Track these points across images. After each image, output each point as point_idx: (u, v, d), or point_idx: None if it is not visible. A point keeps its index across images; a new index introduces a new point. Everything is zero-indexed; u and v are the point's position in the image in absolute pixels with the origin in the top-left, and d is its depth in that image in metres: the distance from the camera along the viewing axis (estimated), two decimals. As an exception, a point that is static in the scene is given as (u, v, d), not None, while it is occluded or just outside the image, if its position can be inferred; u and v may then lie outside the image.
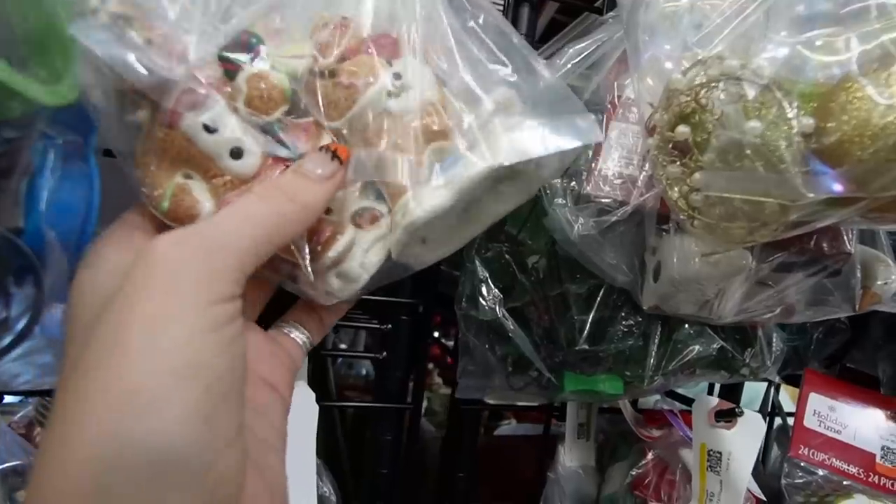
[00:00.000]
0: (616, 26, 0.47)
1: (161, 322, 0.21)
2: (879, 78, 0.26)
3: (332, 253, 0.29)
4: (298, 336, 0.33)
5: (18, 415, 0.68)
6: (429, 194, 0.29)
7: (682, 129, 0.31)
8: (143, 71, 0.24)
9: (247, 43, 0.27)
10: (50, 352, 0.26)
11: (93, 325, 0.21)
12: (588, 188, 0.39)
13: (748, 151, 0.28)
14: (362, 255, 0.31)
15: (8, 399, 0.61)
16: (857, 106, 0.26)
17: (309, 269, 0.29)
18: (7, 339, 0.25)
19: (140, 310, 0.21)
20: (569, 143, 0.29)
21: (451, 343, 0.98)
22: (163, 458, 0.20)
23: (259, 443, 0.26)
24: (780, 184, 0.28)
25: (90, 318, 0.23)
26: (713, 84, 0.30)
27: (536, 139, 0.28)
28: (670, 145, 0.32)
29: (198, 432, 0.20)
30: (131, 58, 0.23)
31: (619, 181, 0.39)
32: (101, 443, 0.19)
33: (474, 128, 0.30)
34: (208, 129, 0.26)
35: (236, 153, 0.27)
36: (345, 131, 0.30)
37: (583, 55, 0.47)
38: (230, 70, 0.26)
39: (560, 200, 0.41)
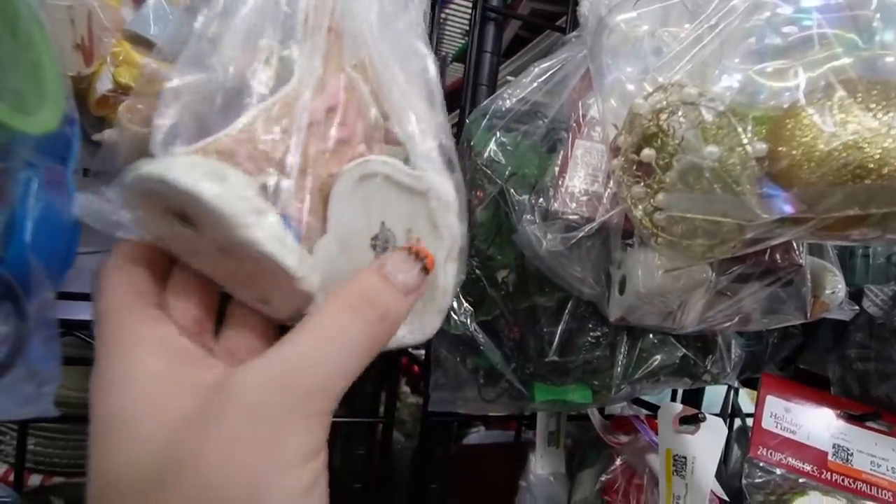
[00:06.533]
0: (579, 46, 0.49)
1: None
2: (824, 107, 0.28)
3: None
4: None
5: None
6: None
7: (648, 153, 0.32)
8: None
9: None
10: (32, 383, 0.25)
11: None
12: (555, 205, 0.41)
13: (707, 174, 0.30)
14: None
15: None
16: (805, 133, 0.28)
17: None
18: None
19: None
20: None
21: (419, 352, 0.99)
22: None
23: None
24: (737, 205, 0.29)
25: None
26: (673, 110, 0.31)
27: None
28: (634, 167, 0.34)
29: None
30: None
31: (584, 198, 0.41)
32: None
33: None
34: None
35: None
36: None
37: (547, 74, 0.49)
38: None
39: (528, 217, 0.42)
